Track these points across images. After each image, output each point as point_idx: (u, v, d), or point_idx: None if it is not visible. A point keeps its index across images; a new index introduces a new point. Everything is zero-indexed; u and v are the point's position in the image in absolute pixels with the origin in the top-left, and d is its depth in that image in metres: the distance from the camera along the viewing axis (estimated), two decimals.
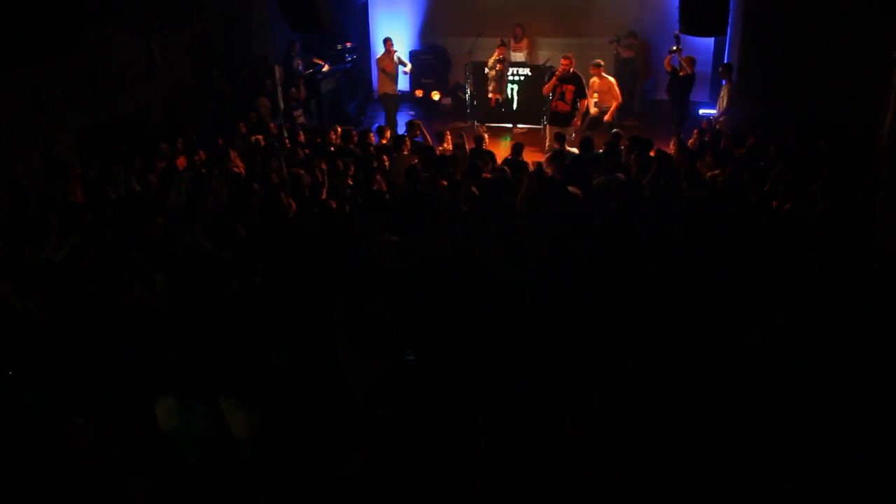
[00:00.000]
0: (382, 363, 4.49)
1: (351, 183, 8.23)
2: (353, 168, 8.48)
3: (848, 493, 3.92)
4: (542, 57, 13.30)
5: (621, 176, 7.99)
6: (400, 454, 4.06)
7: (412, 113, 13.94)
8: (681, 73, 11.05)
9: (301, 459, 4.09)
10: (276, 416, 4.32)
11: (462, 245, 6.27)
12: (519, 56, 13.17)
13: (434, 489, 3.99)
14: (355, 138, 9.69)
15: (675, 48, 11.06)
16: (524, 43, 13.29)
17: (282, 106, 11.83)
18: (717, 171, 8.09)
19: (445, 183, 7.75)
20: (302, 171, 8.25)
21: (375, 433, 4.17)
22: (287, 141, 9.77)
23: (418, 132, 9.65)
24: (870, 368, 4.50)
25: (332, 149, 9.39)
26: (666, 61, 11.35)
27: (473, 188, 7.58)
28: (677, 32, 10.77)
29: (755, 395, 4.55)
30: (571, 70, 10.76)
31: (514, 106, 12.83)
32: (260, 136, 9.86)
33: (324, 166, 8.45)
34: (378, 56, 12.64)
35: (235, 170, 8.73)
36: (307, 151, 9.19)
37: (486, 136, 9.98)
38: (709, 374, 4.72)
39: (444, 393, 4.59)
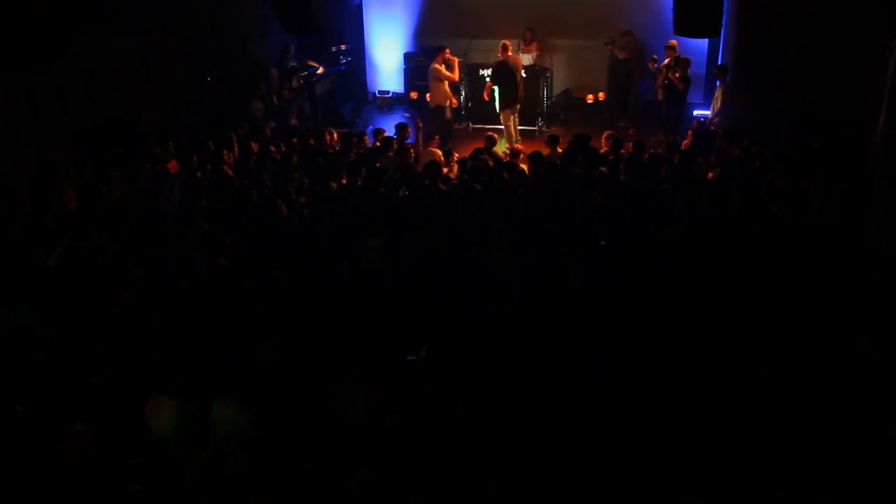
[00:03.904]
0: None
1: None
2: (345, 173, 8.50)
3: (843, 494, 3.92)
4: (545, 59, 13.38)
5: (603, 169, 8.07)
6: (406, 463, 4.05)
7: (407, 115, 13.95)
8: (679, 87, 11.14)
9: (302, 468, 4.08)
10: (271, 417, 4.30)
11: (456, 245, 6.28)
12: (527, 59, 13.15)
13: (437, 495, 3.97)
14: (354, 141, 9.72)
15: (654, 59, 11.20)
16: (534, 46, 13.28)
17: (276, 106, 11.83)
18: (715, 172, 8.12)
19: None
20: (297, 174, 8.27)
21: (380, 442, 4.16)
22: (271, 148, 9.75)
23: (408, 134, 9.84)
24: (866, 364, 4.52)
25: (330, 151, 9.43)
26: (659, 80, 11.43)
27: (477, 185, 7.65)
28: (655, 56, 11.24)
29: (749, 397, 4.55)
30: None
31: None
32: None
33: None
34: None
35: (229, 171, 8.73)
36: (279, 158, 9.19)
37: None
38: (701, 377, 4.72)
39: (446, 394, 4.58)
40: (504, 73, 11.64)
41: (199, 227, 6.91)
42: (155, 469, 4.29)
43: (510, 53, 11.71)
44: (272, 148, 9.53)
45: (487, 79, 12.22)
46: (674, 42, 11.32)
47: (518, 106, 11.75)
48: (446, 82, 11.76)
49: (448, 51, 11.92)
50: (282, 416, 4.34)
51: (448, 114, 11.90)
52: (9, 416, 4.54)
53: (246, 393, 4.37)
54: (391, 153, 9.10)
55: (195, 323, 5.42)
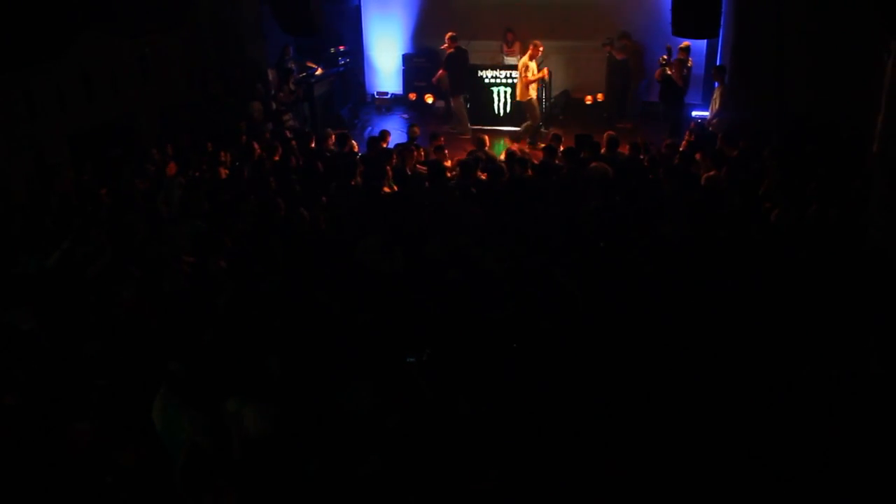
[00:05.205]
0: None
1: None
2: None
3: (845, 492, 3.92)
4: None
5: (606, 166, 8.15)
6: (411, 456, 4.06)
7: (405, 116, 13.96)
8: (676, 81, 11.18)
9: (313, 461, 4.08)
10: (278, 416, 4.31)
11: (454, 246, 6.28)
12: (512, 60, 13.21)
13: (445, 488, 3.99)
14: (352, 143, 9.72)
15: (664, 58, 11.23)
16: (516, 47, 13.33)
17: (274, 108, 11.83)
18: (712, 172, 8.12)
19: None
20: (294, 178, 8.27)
21: (385, 438, 4.17)
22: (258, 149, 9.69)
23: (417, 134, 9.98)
24: (868, 366, 4.52)
25: (328, 154, 9.40)
26: (657, 74, 11.47)
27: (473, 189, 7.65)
28: (668, 45, 11.19)
29: (752, 397, 4.55)
30: None
31: (508, 109, 12.88)
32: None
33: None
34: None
35: (224, 171, 8.72)
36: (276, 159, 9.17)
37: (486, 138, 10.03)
38: (700, 377, 4.72)
39: (446, 395, 4.58)
40: (457, 61, 12.46)
41: (196, 230, 6.91)
42: (148, 467, 4.29)
43: (457, 44, 12.50)
44: (255, 145, 9.45)
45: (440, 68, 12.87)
46: (686, 44, 11.36)
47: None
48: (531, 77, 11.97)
49: (541, 48, 12.05)
50: (289, 415, 4.34)
51: (535, 107, 12.14)
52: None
53: (251, 393, 4.36)
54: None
55: (193, 324, 5.42)
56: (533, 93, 12.06)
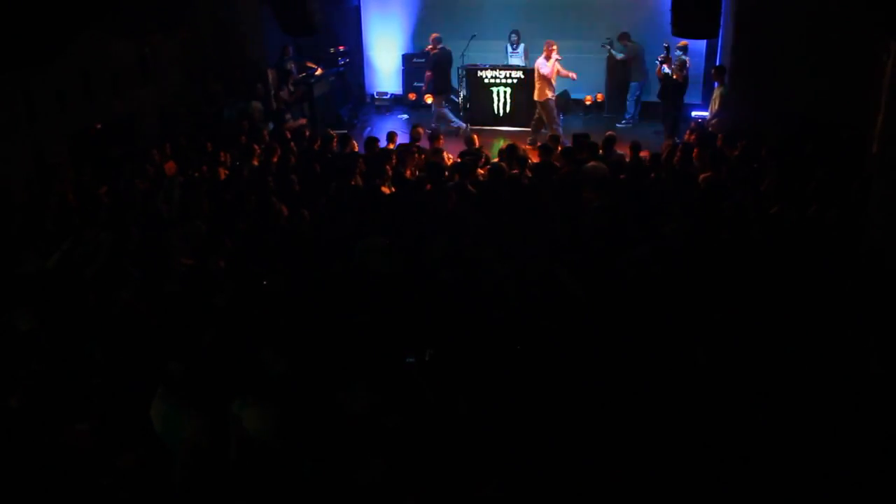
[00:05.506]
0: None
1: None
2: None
3: (846, 492, 3.92)
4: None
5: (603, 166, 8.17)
6: (412, 458, 4.06)
7: (405, 116, 13.96)
8: (674, 77, 11.18)
9: (318, 463, 4.08)
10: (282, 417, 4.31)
11: (454, 246, 6.27)
12: (516, 61, 13.22)
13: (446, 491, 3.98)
14: (353, 144, 9.72)
15: (663, 56, 11.26)
16: (521, 48, 13.35)
17: (274, 107, 11.84)
18: (709, 174, 8.12)
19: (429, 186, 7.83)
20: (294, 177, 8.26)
21: (386, 440, 4.17)
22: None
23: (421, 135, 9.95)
24: (868, 366, 4.52)
25: (329, 156, 9.40)
26: (657, 70, 11.48)
27: (471, 187, 7.64)
28: (666, 43, 11.22)
29: (750, 398, 4.55)
30: None
31: (507, 109, 12.88)
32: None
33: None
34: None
35: (224, 171, 8.72)
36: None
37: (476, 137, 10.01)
38: (700, 379, 4.72)
39: (446, 396, 4.58)
40: (441, 62, 12.58)
41: (196, 230, 6.91)
42: (148, 468, 4.29)
43: (442, 45, 12.67)
44: (256, 146, 9.45)
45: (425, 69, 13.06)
46: (684, 43, 11.37)
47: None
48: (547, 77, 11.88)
49: (555, 48, 11.81)
50: (289, 415, 4.34)
51: (552, 105, 12.03)
52: (4, 412, 4.55)
53: (251, 393, 4.36)
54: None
55: (193, 324, 5.41)
56: (550, 93, 11.88)
